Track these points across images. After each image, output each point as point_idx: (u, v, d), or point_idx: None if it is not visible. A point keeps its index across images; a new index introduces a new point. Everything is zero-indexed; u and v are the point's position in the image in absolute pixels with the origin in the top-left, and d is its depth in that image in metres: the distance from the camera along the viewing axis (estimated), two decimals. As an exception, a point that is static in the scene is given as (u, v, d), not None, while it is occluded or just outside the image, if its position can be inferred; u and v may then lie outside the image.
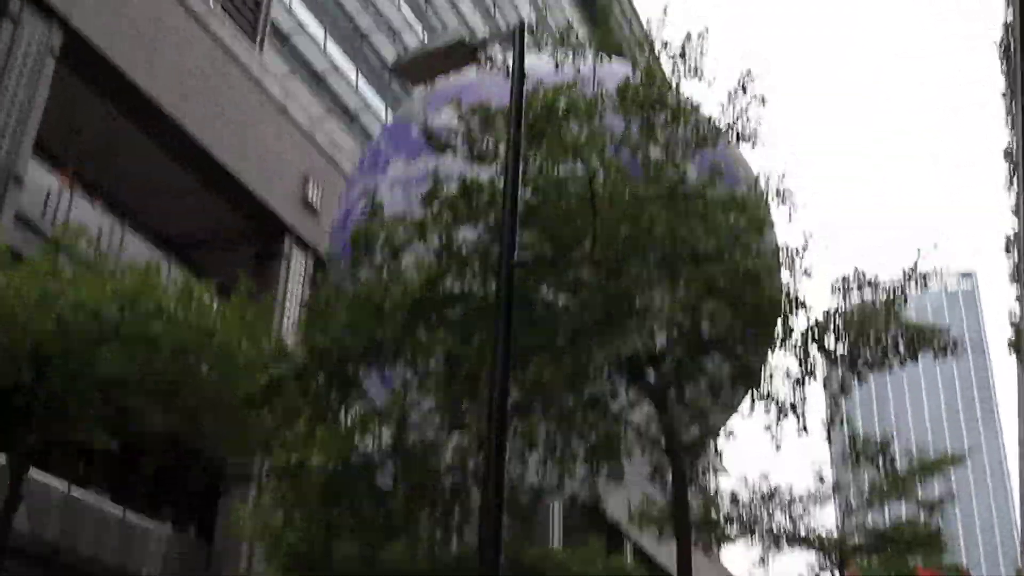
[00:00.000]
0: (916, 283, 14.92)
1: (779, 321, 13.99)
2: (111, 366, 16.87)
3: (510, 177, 10.08)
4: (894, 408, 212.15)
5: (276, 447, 13.29)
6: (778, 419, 15.09)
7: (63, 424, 18.51)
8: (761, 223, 14.86)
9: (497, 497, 9.00)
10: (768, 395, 14.62)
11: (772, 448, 15.30)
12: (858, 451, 15.51)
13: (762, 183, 15.39)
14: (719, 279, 13.32)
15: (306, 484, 13.06)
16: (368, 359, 13.71)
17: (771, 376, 14.86)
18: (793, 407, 14.82)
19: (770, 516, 28.69)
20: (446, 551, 17.47)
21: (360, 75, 41.57)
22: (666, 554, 56.39)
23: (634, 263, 13.45)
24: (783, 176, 15.51)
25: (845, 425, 15.35)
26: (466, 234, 14.44)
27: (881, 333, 14.52)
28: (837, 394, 15.06)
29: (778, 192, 15.40)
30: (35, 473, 22.66)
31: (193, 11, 28.34)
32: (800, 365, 14.46)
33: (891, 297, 14.89)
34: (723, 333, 13.82)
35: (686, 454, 14.36)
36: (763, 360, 15.01)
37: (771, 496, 28.58)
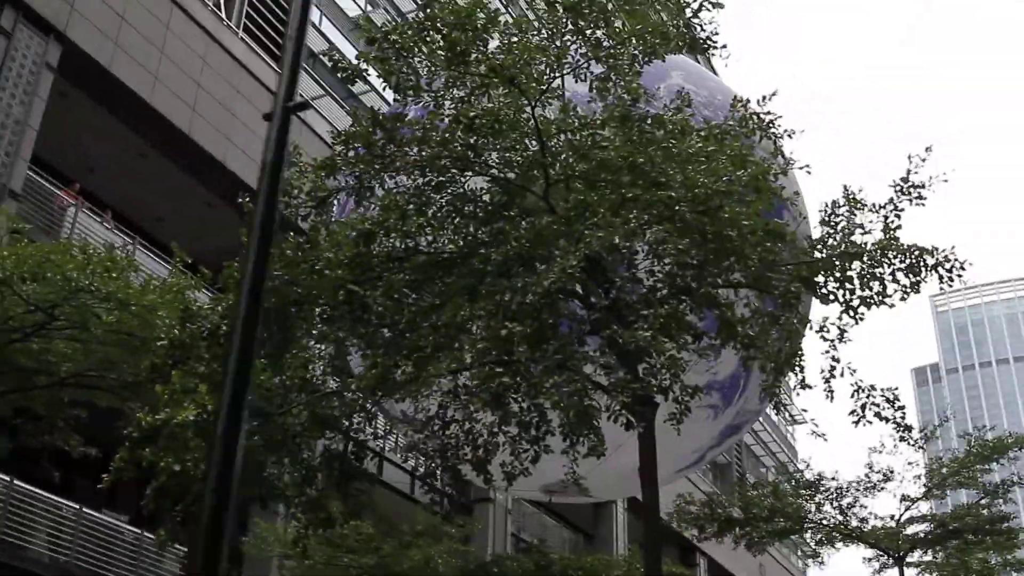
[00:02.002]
0: (910, 196, 12.51)
1: (757, 256, 11.64)
2: (68, 360, 15.27)
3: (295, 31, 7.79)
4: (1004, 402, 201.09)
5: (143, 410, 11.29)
6: (775, 376, 12.73)
7: (34, 428, 17.01)
8: (741, 153, 12.57)
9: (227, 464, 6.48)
10: (752, 343, 12.22)
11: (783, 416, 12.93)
12: (865, 406, 12.83)
13: (742, 109, 13.18)
14: (673, 205, 11.08)
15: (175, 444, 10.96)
16: (292, 319, 11.68)
17: (763, 323, 12.51)
18: (789, 360, 12.45)
19: (818, 508, 25.92)
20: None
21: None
22: (745, 568, 53.43)
23: (589, 200, 11.28)
24: (767, 99, 13.29)
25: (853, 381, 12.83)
26: (401, 180, 12.50)
27: (877, 261, 12.11)
28: (835, 340, 12.63)
29: (760, 119, 13.15)
30: (48, 494, 21.32)
31: (203, 25, 27.01)
32: (783, 307, 12.09)
33: (885, 219, 12.51)
34: (684, 266, 11.50)
35: (652, 408, 12.06)
36: (749, 305, 12.68)
37: (813, 485, 25.84)
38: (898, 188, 12.60)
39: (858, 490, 26.03)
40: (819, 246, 12.44)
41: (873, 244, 12.28)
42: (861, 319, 12.46)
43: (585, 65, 11.96)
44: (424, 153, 11.66)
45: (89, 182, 26.21)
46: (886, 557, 27.61)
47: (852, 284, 12.21)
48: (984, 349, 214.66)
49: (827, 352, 12.63)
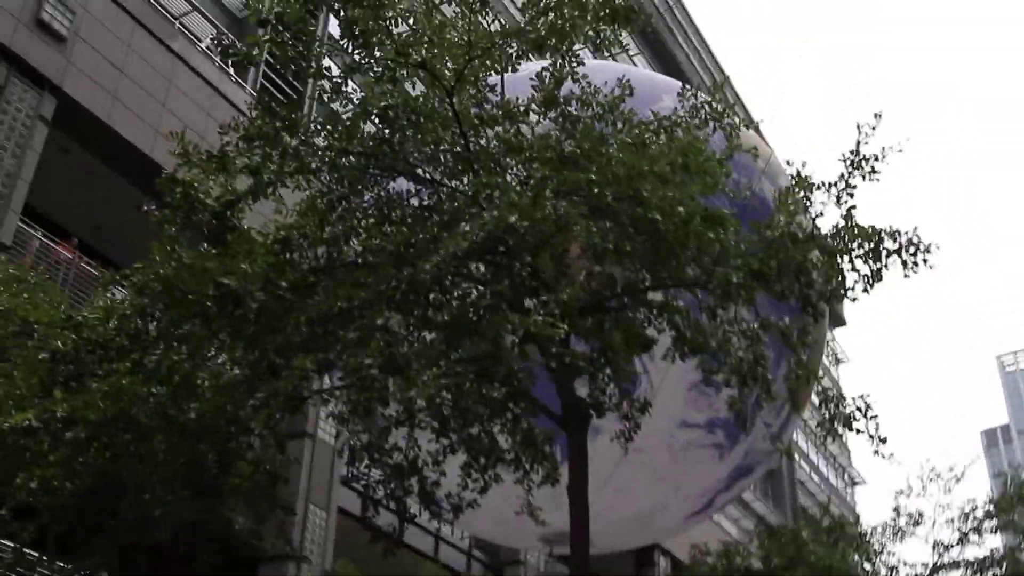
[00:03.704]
0: (863, 172, 10.95)
1: (696, 247, 10.15)
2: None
3: None
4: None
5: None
6: (741, 386, 11.14)
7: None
8: (695, 144, 11.12)
9: None
10: (703, 346, 10.68)
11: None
12: (832, 414, 11.16)
13: (692, 98, 11.79)
14: (592, 188, 9.68)
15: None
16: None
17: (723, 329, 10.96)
18: (752, 368, 10.86)
19: (842, 557, 23.72)
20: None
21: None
22: None
23: (493, 182, 9.98)
24: (721, 86, 11.92)
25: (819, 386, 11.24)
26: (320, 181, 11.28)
27: (836, 249, 10.55)
28: (796, 344, 11.02)
29: (712, 108, 11.75)
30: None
31: (205, 76, 26.41)
32: (724, 300, 10.53)
33: (838, 197, 10.95)
34: (618, 255, 10.05)
35: (584, 424, 10.58)
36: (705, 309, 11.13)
37: (834, 531, 23.71)
38: (848, 162, 11.07)
39: (884, 536, 23.94)
40: (768, 233, 10.86)
41: (830, 229, 10.77)
42: (821, 316, 10.90)
43: (499, 44, 10.72)
44: (332, 149, 10.48)
45: (95, 239, 25.63)
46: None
47: (808, 276, 10.65)
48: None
49: (793, 354, 11.07)
